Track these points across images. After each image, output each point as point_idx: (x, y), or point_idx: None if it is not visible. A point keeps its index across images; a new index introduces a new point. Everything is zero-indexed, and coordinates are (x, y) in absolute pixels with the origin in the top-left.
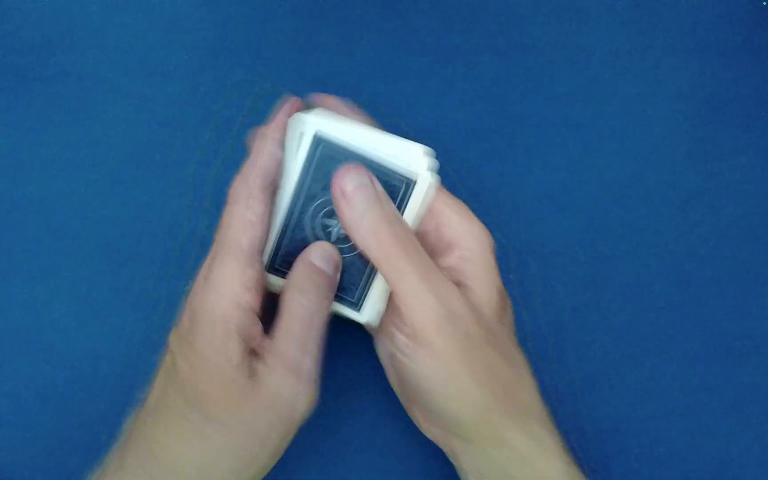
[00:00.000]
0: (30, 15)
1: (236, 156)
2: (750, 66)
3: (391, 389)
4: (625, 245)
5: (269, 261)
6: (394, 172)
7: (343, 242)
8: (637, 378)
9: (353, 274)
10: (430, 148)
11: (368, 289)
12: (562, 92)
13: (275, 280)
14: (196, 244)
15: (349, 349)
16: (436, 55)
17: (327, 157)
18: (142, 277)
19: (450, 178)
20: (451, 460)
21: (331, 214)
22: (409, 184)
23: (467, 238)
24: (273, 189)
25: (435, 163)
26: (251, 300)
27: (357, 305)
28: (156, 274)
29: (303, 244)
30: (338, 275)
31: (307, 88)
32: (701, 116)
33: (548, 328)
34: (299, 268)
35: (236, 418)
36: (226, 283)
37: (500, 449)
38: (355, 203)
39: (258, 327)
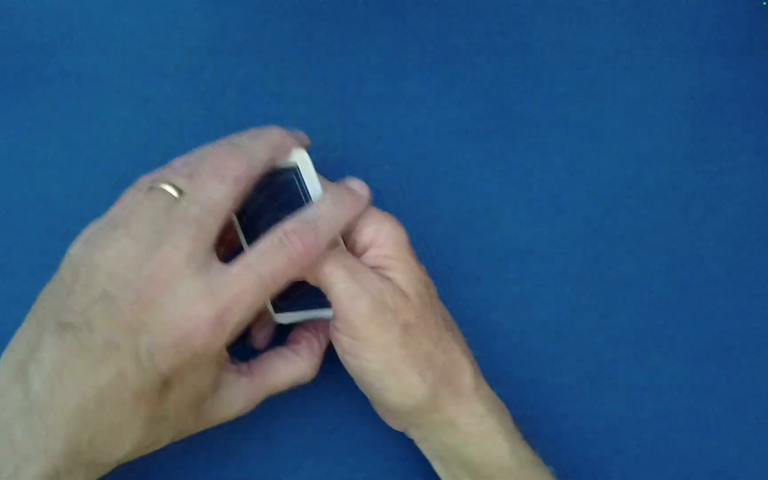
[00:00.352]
0: (30, 15)
1: None
2: (750, 66)
3: None
4: (625, 245)
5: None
6: (282, 170)
7: None
8: (637, 378)
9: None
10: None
11: None
12: (562, 92)
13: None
14: None
15: None
16: (436, 55)
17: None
18: None
19: (450, 177)
20: (419, 447)
21: None
22: (295, 169)
23: (381, 237)
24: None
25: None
26: None
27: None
28: None
29: None
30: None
31: (307, 87)
32: (701, 116)
33: (548, 328)
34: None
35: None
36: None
37: (451, 432)
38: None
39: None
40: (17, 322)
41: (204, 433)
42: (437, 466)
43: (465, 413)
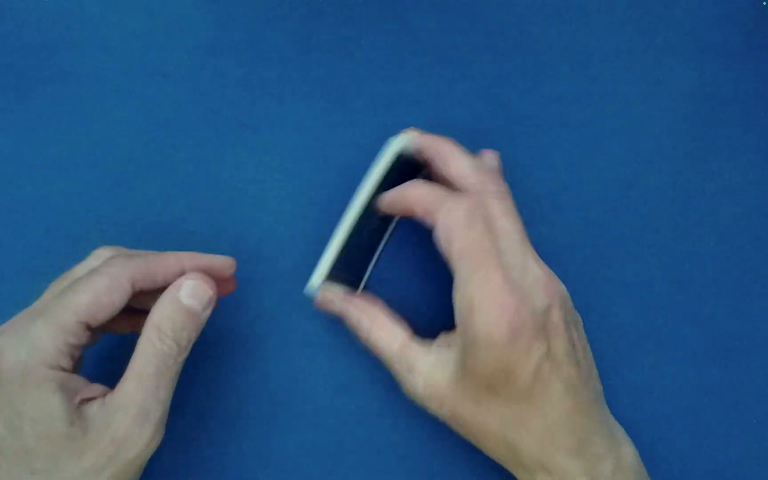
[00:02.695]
0: (30, 15)
1: (236, 155)
2: (750, 66)
3: (391, 389)
4: (625, 245)
5: (330, 268)
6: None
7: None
8: (637, 378)
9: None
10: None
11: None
12: (562, 92)
13: (332, 287)
14: (195, 244)
15: (348, 350)
16: (436, 55)
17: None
18: None
19: None
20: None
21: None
22: (407, 156)
23: None
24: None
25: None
26: (67, 364)
27: (356, 283)
28: None
29: (358, 251)
30: (209, 311)
31: (307, 88)
32: (701, 116)
33: None
34: (163, 305)
35: (64, 461)
36: (48, 347)
37: None
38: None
39: (81, 381)
40: None
41: (204, 433)
42: None
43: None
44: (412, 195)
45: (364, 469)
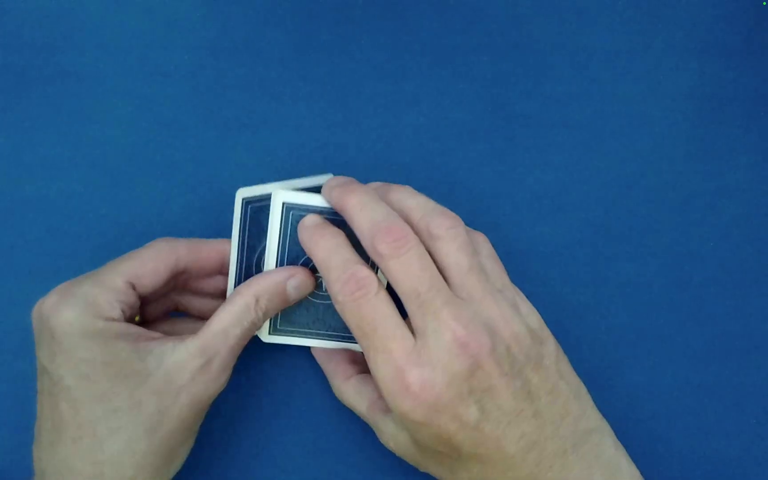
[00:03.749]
0: (30, 15)
1: (236, 155)
2: (750, 66)
3: None
4: (625, 245)
5: (271, 324)
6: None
7: None
8: (637, 378)
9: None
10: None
11: None
12: (562, 92)
13: (279, 340)
14: None
15: None
16: (436, 55)
17: (297, 220)
18: None
19: (450, 178)
20: None
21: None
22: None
23: None
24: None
25: None
26: (120, 316)
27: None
28: None
29: (298, 303)
30: (296, 292)
31: (307, 88)
32: (701, 116)
33: (548, 328)
34: (268, 282)
35: (139, 396)
36: (99, 300)
37: None
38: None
39: (139, 329)
40: (17, 322)
41: (204, 433)
42: None
43: None
44: (319, 259)
45: (364, 469)
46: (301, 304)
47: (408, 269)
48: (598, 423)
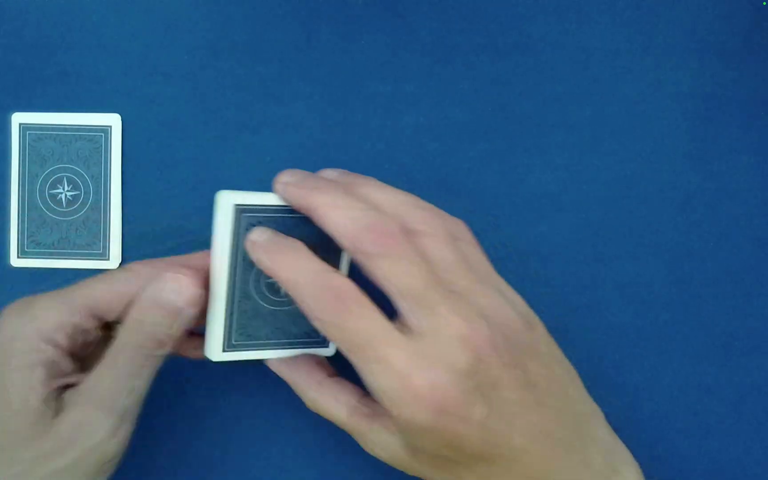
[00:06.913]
0: (30, 15)
1: (236, 155)
2: (750, 66)
3: None
4: (625, 245)
5: (225, 340)
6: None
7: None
8: (637, 378)
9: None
10: None
11: None
12: (562, 92)
13: (236, 356)
14: (195, 245)
15: None
16: (436, 55)
17: (250, 225)
18: None
19: (450, 178)
20: None
21: None
22: None
23: None
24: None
25: None
26: (65, 343)
27: (324, 342)
28: None
29: (254, 313)
30: (193, 309)
31: (307, 88)
32: (701, 116)
33: (548, 328)
34: (145, 299)
35: (32, 452)
36: (48, 319)
37: None
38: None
39: (71, 366)
40: None
41: (204, 433)
42: None
43: None
44: (285, 273)
45: (364, 469)
46: (258, 312)
47: (399, 267)
48: (592, 406)
